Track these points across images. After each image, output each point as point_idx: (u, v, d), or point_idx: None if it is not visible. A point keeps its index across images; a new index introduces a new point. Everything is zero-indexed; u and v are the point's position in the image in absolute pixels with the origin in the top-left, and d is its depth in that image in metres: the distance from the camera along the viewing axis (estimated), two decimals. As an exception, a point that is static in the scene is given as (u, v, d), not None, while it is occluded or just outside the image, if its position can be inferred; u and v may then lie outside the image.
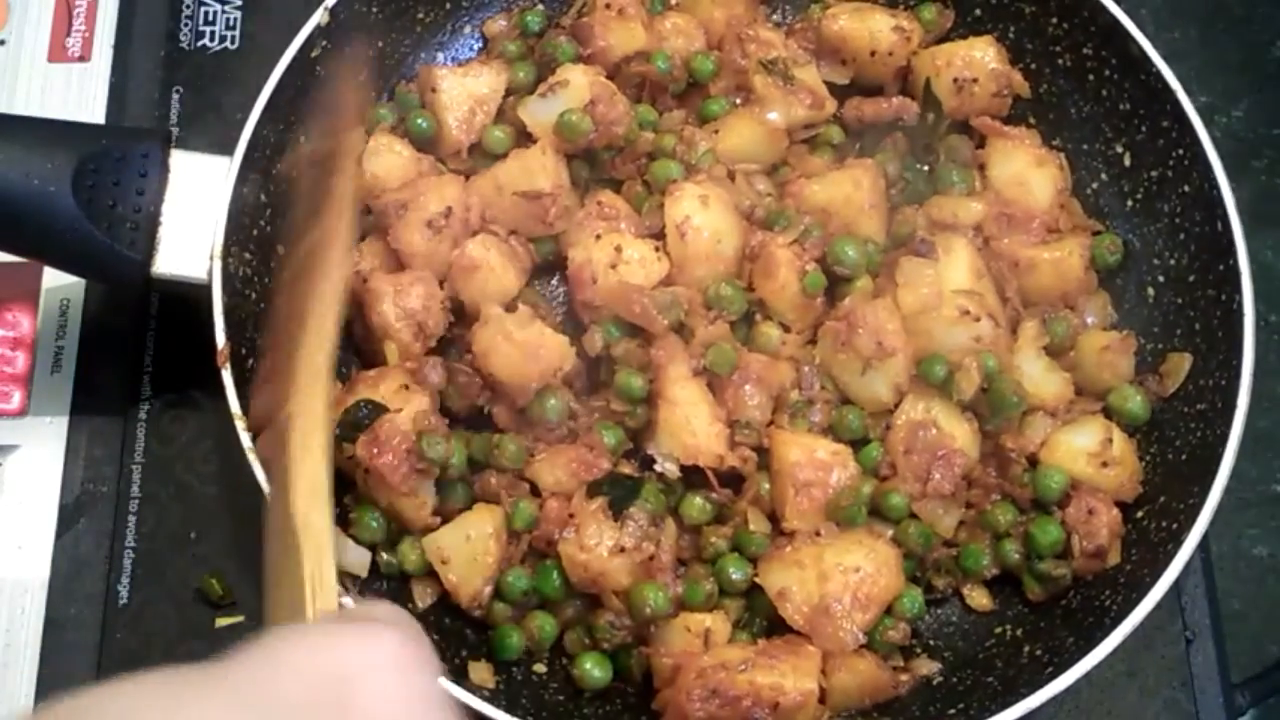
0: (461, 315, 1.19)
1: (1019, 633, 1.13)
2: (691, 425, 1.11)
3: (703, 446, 1.11)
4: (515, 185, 1.18)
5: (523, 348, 1.12)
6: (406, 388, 1.11)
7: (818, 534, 1.09)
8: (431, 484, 1.11)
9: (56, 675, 1.12)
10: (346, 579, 1.05)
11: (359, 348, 1.23)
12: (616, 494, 1.08)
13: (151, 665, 1.08)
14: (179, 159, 1.14)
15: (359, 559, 1.09)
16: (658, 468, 1.12)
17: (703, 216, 1.16)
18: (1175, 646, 1.16)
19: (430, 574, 1.10)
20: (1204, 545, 1.07)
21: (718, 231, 1.16)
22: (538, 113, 1.23)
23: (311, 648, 0.66)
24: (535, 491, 1.13)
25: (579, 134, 1.19)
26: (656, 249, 1.16)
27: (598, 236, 1.16)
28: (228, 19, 1.41)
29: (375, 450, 1.07)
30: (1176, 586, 1.04)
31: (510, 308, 1.17)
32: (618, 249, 1.14)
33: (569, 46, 1.26)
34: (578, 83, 1.22)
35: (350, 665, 0.64)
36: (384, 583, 1.11)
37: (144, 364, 1.24)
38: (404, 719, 0.65)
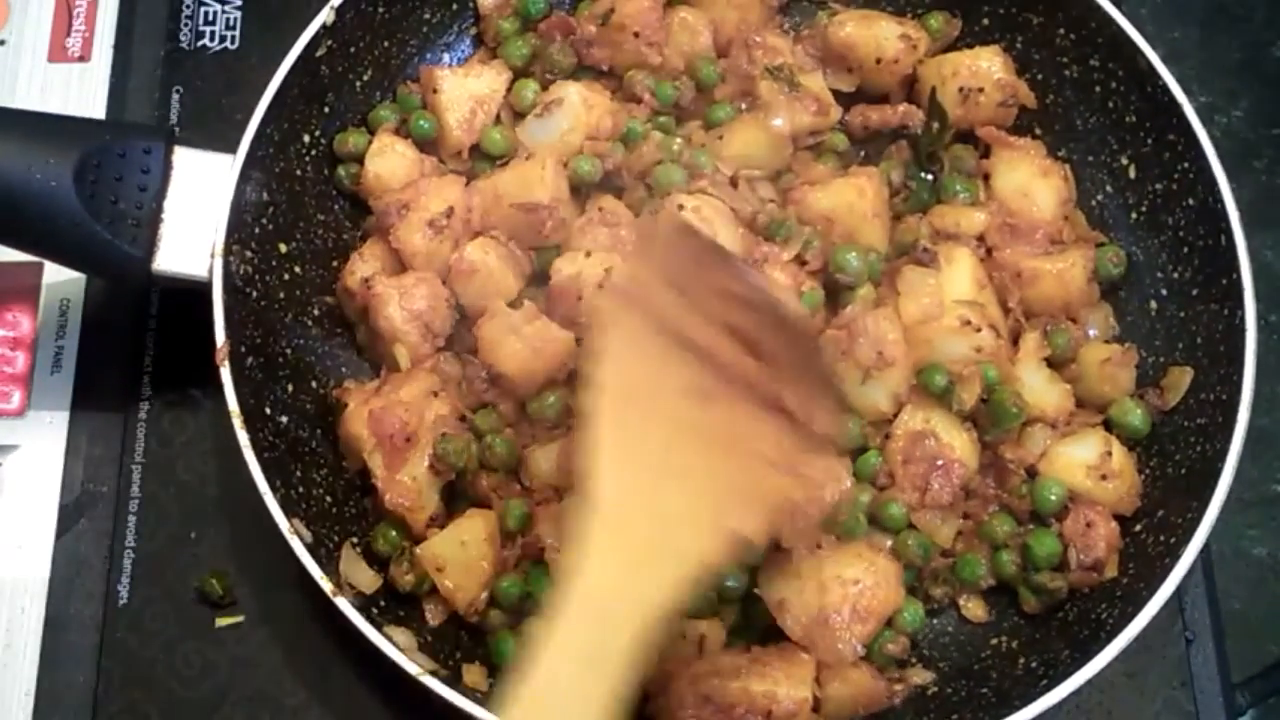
0: (462, 315, 1.19)
1: (1014, 644, 1.13)
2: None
3: None
4: (513, 197, 1.18)
5: (530, 342, 1.12)
6: (436, 394, 1.12)
7: (818, 546, 1.09)
8: (437, 490, 1.11)
9: (56, 675, 1.13)
10: (351, 593, 1.06)
11: (360, 348, 1.23)
12: None
13: (151, 665, 1.12)
14: (182, 156, 1.13)
15: (367, 578, 1.09)
16: None
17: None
18: (1175, 647, 1.17)
19: (436, 590, 1.10)
20: (1204, 545, 1.07)
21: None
22: (536, 133, 1.23)
23: None
24: (527, 492, 1.13)
25: (589, 178, 1.20)
26: None
27: (587, 254, 1.14)
28: (228, 19, 1.40)
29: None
30: (1177, 587, 1.04)
31: (515, 304, 1.17)
32: (609, 271, 1.13)
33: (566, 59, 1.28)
34: (572, 101, 1.22)
35: None
36: (397, 601, 1.11)
37: (144, 363, 1.24)
38: None
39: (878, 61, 1.28)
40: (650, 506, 0.87)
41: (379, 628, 1.01)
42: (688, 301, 0.94)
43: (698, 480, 0.90)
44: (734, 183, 1.23)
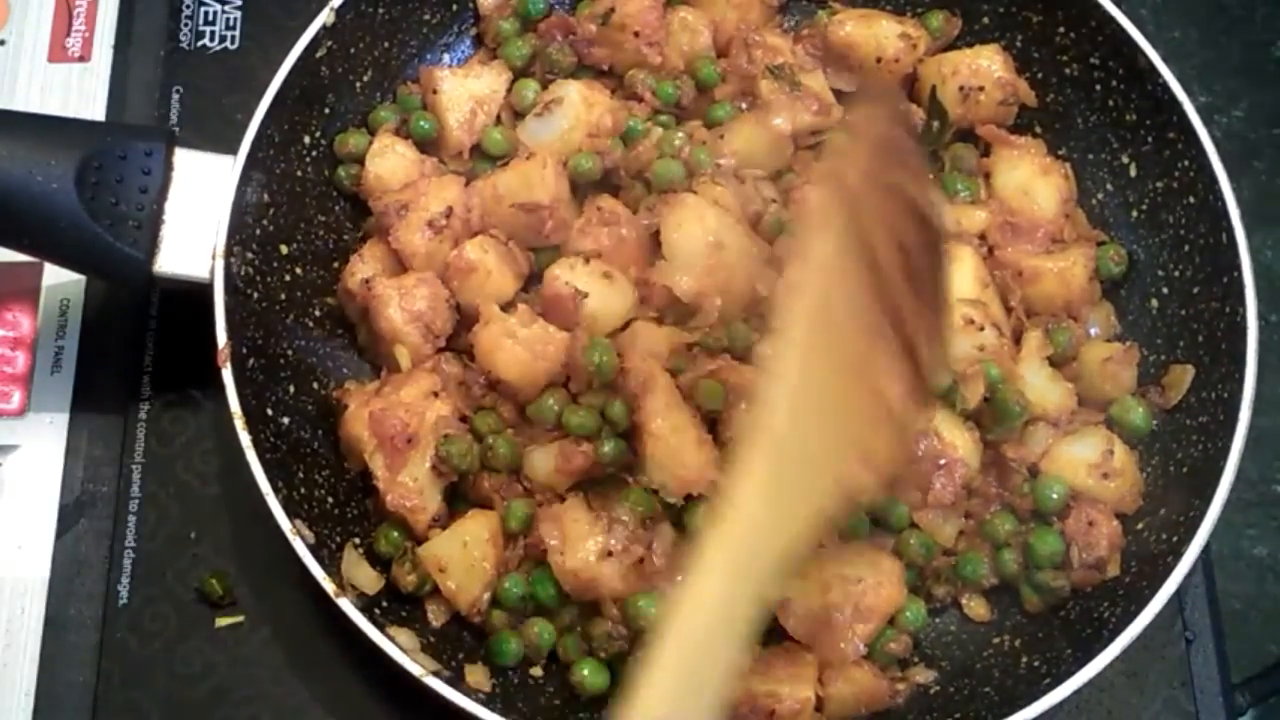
0: (461, 315, 1.19)
1: (1017, 643, 1.13)
2: (680, 456, 1.07)
3: (693, 476, 1.07)
4: (514, 196, 1.18)
5: (529, 345, 1.12)
6: (436, 395, 1.11)
7: (820, 545, 1.09)
8: (439, 491, 1.11)
9: (56, 675, 1.13)
10: (353, 593, 1.06)
11: (362, 350, 1.23)
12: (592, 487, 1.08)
13: (151, 665, 1.12)
14: (182, 157, 1.13)
15: (369, 578, 1.09)
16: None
17: (699, 227, 1.15)
18: (1175, 647, 1.17)
19: (438, 591, 1.10)
20: (1204, 545, 1.07)
21: (717, 241, 1.15)
22: (537, 132, 1.23)
23: None
24: (528, 493, 1.13)
25: (589, 175, 1.20)
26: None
27: (586, 260, 1.14)
28: (228, 19, 1.40)
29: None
30: (1178, 587, 1.04)
31: (508, 308, 1.16)
32: (606, 275, 1.12)
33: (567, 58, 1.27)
34: (572, 99, 1.22)
35: None
36: (399, 601, 1.11)
37: (144, 364, 1.24)
38: None
39: (878, 60, 1.28)
40: (803, 440, 0.82)
41: (381, 628, 1.01)
42: (877, 202, 0.83)
43: (835, 419, 0.84)
44: (741, 178, 1.23)
